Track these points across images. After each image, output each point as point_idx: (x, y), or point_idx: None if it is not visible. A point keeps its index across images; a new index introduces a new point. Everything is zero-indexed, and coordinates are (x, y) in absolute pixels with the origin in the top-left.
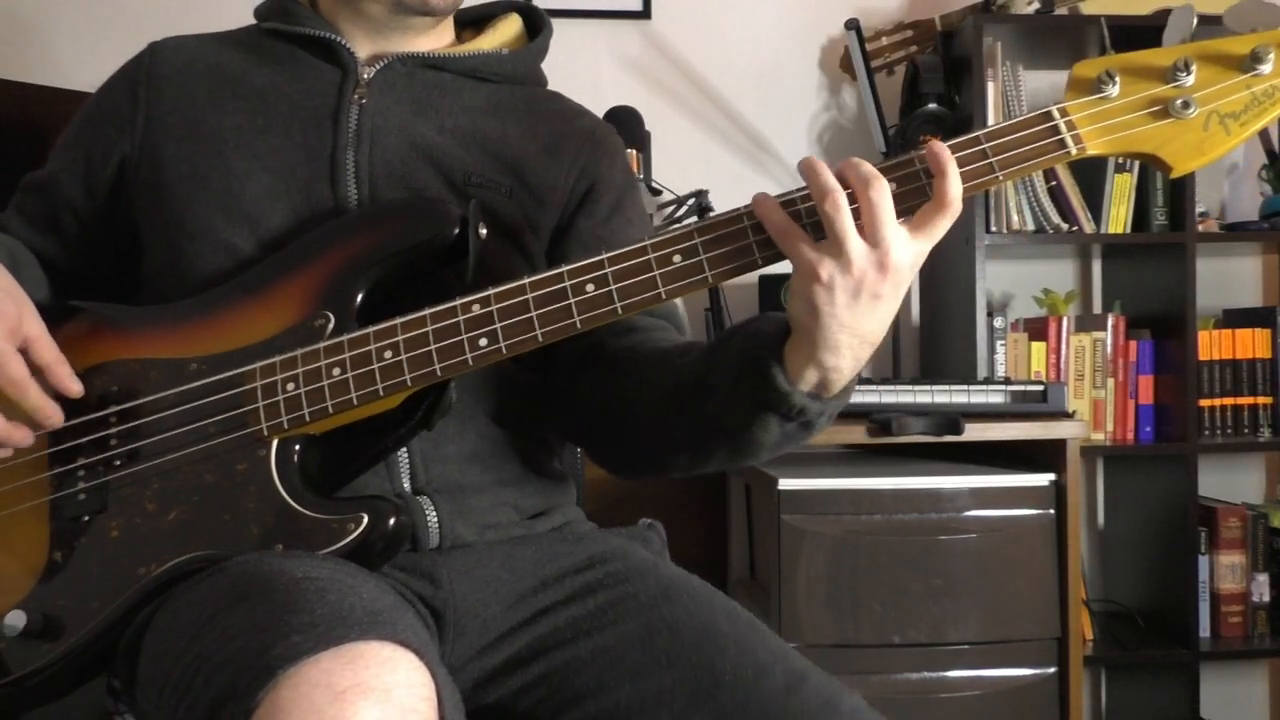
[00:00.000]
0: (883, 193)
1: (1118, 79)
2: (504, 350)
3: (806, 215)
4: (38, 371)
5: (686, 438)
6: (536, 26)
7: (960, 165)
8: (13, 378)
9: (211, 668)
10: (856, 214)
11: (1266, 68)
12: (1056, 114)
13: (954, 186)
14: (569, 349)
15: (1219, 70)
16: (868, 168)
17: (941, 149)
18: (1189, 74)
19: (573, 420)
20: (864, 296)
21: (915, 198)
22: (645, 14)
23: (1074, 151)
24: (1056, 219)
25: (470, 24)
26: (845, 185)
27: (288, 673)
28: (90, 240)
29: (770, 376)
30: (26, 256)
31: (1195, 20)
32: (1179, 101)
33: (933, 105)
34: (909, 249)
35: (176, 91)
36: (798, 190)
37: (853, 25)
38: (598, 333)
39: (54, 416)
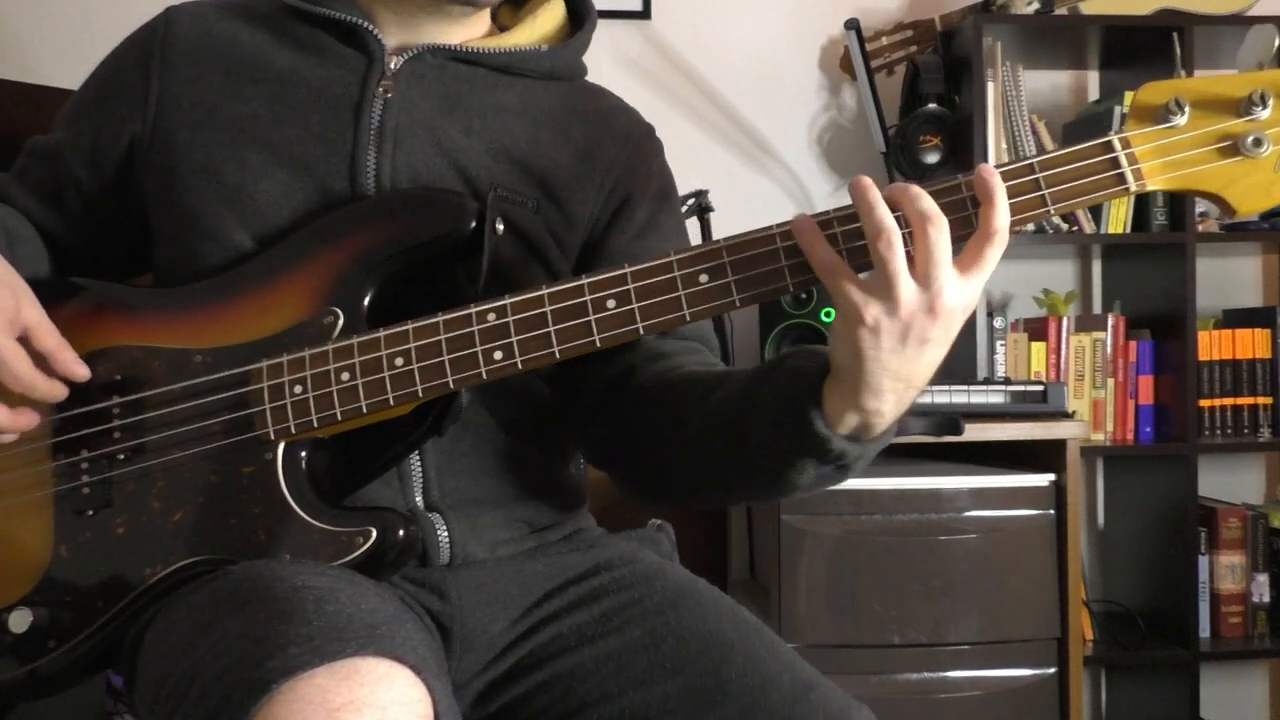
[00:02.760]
0: (942, 232)
1: (1186, 109)
2: (519, 365)
3: (844, 239)
4: (40, 359)
5: (720, 476)
6: (580, 15)
7: (1010, 195)
8: (16, 374)
9: (208, 678)
10: (906, 242)
11: None
12: (1118, 144)
13: (1001, 216)
14: (599, 373)
15: None
16: (927, 202)
17: (991, 175)
18: (1265, 108)
19: (600, 449)
20: (911, 341)
21: (960, 228)
22: (645, 14)
23: (1133, 187)
24: (1056, 219)
25: (509, 3)
26: (893, 208)
27: (282, 688)
28: (95, 219)
29: (809, 421)
30: (25, 231)
31: (1278, 41)
32: (1251, 139)
33: (932, 105)
34: (962, 291)
35: (192, 70)
36: (836, 211)
37: (853, 25)
38: (629, 357)
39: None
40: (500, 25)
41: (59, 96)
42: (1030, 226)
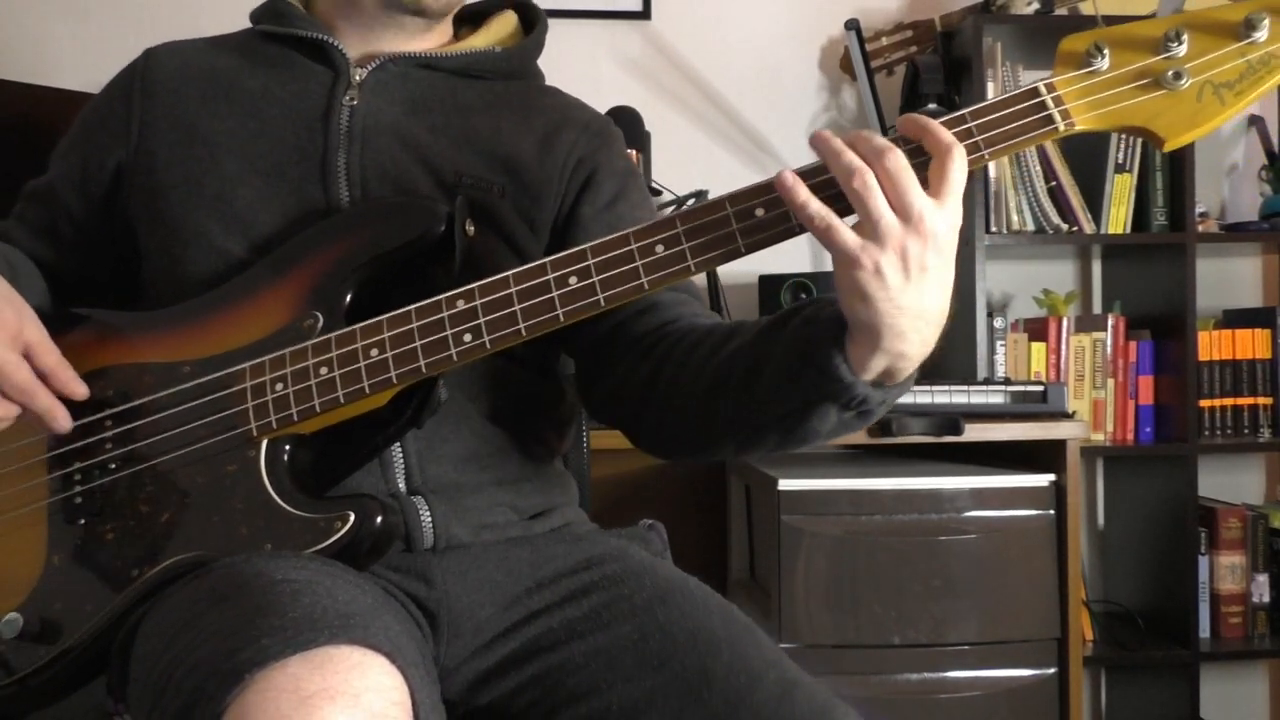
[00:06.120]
0: (899, 162)
1: (1107, 52)
2: (488, 345)
3: (818, 190)
4: (41, 377)
5: (736, 425)
6: (532, 21)
7: None
8: (19, 384)
9: (184, 671)
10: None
11: (1261, 35)
12: (1043, 89)
13: (942, 132)
14: (584, 337)
15: (1212, 39)
16: (879, 140)
17: (910, 119)
18: (1180, 44)
19: (612, 408)
20: (913, 270)
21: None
22: (645, 14)
23: (1061, 127)
24: (1056, 219)
25: (467, 21)
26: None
27: (255, 677)
28: (88, 246)
29: (832, 367)
30: (26, 265)
31: None
32: (1170, 73)
33: (933, 105)
34: (941, 212)
35: (171, 97)
36: (805, 167)
37: (853, 25)
38: (616, 315)
39: (62, 419)
40: (459, 38)
41: (77, 99)
42: (1030, 226)
